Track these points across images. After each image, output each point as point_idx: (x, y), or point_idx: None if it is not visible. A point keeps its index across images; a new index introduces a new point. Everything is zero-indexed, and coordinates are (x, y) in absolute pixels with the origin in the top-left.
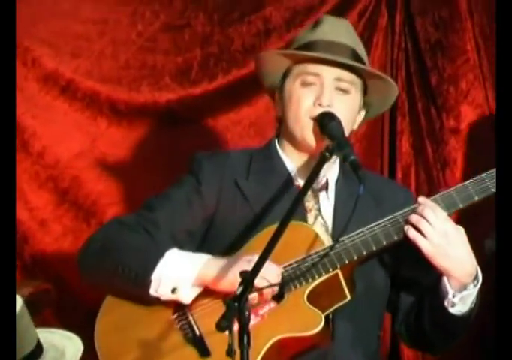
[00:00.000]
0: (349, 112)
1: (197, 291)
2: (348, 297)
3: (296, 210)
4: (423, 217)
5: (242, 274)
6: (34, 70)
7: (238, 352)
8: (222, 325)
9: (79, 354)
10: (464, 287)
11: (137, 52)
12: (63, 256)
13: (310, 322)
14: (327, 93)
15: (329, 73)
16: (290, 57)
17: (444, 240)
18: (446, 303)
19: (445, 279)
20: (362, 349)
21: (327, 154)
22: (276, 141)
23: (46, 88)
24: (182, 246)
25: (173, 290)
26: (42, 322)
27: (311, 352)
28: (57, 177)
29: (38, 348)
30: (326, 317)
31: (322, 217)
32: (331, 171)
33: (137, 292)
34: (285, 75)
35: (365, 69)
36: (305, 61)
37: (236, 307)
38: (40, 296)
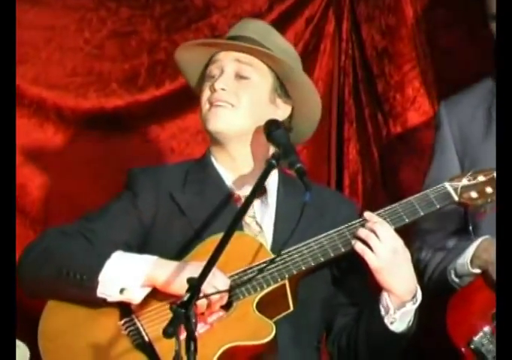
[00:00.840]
0: (249, 96)
1: (146, 291)
2: (291, 308)
3: (240, 220)
4: (372, 231)
5: (190, 280)
6: None
7: (185, 359)
8: (168, 331)
9: None
10: (403, 304)
11: (84, 58)
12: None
13: (262, 331)
14: (223, 78)
15: (226, 59)
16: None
17: (391, 256)
18: (386, 319)
19: (385, 296)
20: (304, 358)
21: (273, 162)
22: (210, 150)
23: None
24: None
25: (121, 291)
26: None
27: None
28: None
29: None
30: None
31: (257, 223)
32: (270, 178)
33: (83, 295)
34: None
35: (251, 47)
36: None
37: (182, 314)
38: None
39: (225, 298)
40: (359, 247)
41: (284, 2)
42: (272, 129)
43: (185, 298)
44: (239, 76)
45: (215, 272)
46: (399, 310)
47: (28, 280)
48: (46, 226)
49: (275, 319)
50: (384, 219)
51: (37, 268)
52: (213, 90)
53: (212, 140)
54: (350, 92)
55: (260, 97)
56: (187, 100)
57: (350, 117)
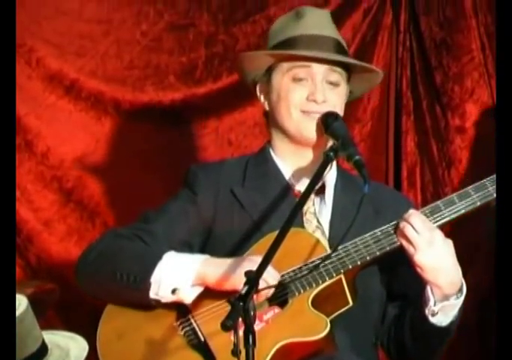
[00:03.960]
0: (341, 105)
1: (197, 291)
2: (351, 303)
3: (297, 215)
4: (409, 223)
5: (247, 273)
6: (39, 70)
7: (243, 352)
8: (227, 324)
9: (85, 354)
10: (446, 298)
11: (142, 51)
12: (68, 256)
13: (316, 327)
14: (320, 89)
15: (319, 68)
16: (277, 55)
17: (428, 247)
18: (426, 311)
19: (428, 288)
20: (362, 356)
21: (331, 154)
22: (270, 144)
23: (50, 88)
24: None
25: (173, 291)
26: (45, 322)
27: (316, 359)
28: (61, 177)
29: (43, 347)
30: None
31: (318, 220)
32: (328, 174)
33: (137, 297)
34: (270, 70)
35: (357, 63)
36: (294, 58)
37: (241, 307)
38: (45, 296)
39: (270, 292)
40: (399, 238)
41: None
42: (330, 121)
43: (243, 292)
44: (330, 82)
45: (267, 268)
46: (441, 303)
47: (87, 282)
48: (103, 219)
49: (334, 314)
50: (427, 217)
51: (94, 270)
52: (312, 100)
53: (290, 141)
54: (408, 84)
55: (344, 98)
56: (244, 93)
57: (408, 109)
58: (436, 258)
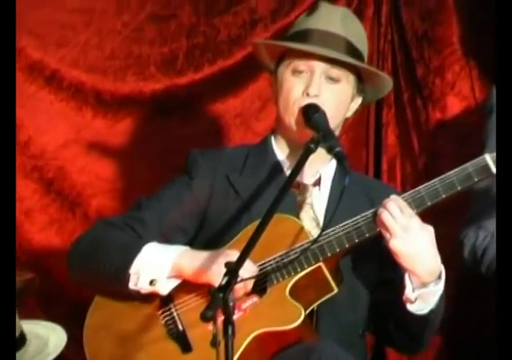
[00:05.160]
0: (338, 102)
1: (174, 283)
2: (335, 289)
3: (281, 201)
4: (386, 209)
5: (227, 264)
6: (20, 60)
7: (222, 343)
8: (207, 315)
9: (63, 344)
10: (424, 285)
11: (123, 42)
12: (48, 245)
13: (290, 316)
14: (316, 83)
15: (319, 65)
16: (281, 48)
17: (405, 235)
18: (404, 298)
19: (406, 275)
20: (347, 345)
21: (312, 146)
22: (273, 135)
23: (31, 79)
24: (173, 243)
25: (151, 282)
26: (25, 311)
27: (295, 347)
28: (42, 167)
29: (21, 338)
30: (311, 311)
31: (314, 212)
32: (326, 167)
33: (119, 287)
34: (280, 61)
35: (356, 65)
36: (296, 52)
37: (220, 298)
38: (25, 286)
39: (249, 285)
40: (377, 224)
41: None
42: (311, 113)
43: (223, 282)
44: (330, 78)
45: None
46: (419, 290)
47: (75, 272)
48: (84, 210)
49: (319, 301)
50: (419, 196)
51: (82, 260)
52: (306, 94)
53: (289, 133)
54: (389, 76)
55: (345, 99)
56: (225, 83)
57: (389, 101)
58: (412, 245)
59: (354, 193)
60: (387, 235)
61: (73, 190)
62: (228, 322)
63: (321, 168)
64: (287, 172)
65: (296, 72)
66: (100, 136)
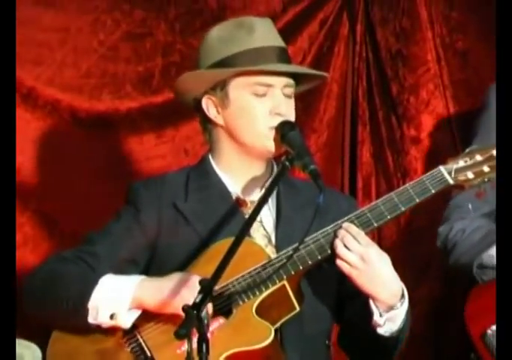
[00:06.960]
0: (294, 115)
1: (135, 314)
2: (297, 308)
3: (252, 224)
4: (341, 241)
5: (202, 282)
6: None
7: None
8: (180, 333)
9: None
10: (391, 308)
11: (99, 60)
12: (23, 264)
13: (260, 335)
14: (283, 102)
15: (280, 82)
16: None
17: (364, 266)
18: (373, 323)
19: (371, 301)
20: (312, 357)
21: (287, 163)
22: (210, 155)
23: None
24: (126, 275)
25: (112, 316)
26: None
27: None
28: (19, 185)
29: None
30: (276, 330)
31: (264, 229)
32: (269, 182)
33: (78, 322)
34: (223, 85)
35: (316, 74)
36: (252, 72)
37: (194, 315)
38: None
39: (210, 309)
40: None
41: (298, 4)
42: (286, 131)
43: (197, 300)
44: (286, 95)
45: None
46: (387, 313)
47: (31, 307)
48: (60, 228)
49: (282, 320)
50: (378, 210)
51: (38, 296)
52: (276, 114)
53: (247, 154)
54: (364, 95)
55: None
56: None
57: (364, 119)
58: (372, 274)
59: (303, 204)
60: (346, 267)
61: (49, 209)
62: (202, 339)
63: (266, 183)
64: (237, 192)
65: (257, 95)
66: (75, 155)
